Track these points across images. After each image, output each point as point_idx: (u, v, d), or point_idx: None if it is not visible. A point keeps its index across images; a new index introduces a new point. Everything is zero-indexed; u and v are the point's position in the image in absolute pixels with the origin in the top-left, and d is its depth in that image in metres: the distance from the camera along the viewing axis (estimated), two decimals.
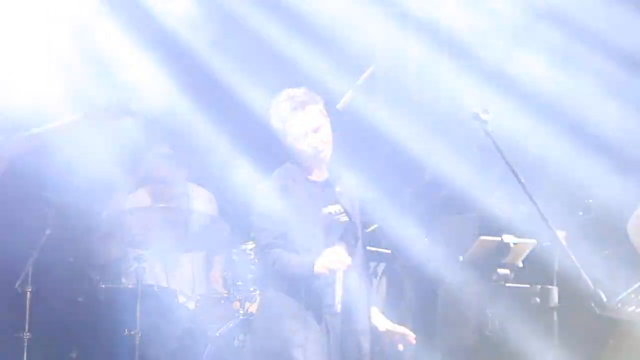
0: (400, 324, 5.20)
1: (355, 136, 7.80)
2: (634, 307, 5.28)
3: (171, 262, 7.03)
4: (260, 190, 4.97)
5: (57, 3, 6.77)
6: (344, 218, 4.94)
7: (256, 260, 6.50)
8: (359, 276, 4.95)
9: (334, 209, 4.96)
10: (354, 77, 6.58)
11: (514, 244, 4.04)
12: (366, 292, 5.00)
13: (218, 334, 6.15)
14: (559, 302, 3.96)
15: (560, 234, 4.01)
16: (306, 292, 4.82)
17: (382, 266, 6.68)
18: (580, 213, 7.04)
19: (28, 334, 6.28)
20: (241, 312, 6.43)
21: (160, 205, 6.97)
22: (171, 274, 7.03)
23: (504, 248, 4.03)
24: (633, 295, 5.34)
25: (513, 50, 8.32)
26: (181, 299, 6.72)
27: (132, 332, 6.18)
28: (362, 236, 5.04)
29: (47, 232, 6.36)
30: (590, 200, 7.06)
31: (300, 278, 4.78)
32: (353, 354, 4.88)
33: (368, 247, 6.43)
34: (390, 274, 7.39)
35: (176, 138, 7.34)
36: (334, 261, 4.72)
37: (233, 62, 7.89)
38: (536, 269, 4.18)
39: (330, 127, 5.05)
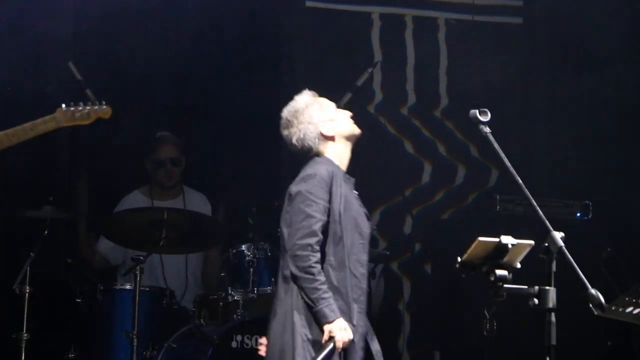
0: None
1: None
2: (631, 309, 5.27)
3: (168, 264, 7.03)
4: (312, 174, 4.78)
5: None
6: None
7: (255, 259, 6.49)
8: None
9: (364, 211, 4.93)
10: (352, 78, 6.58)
11: (512, 245, 4.01)
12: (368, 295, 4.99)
13: (216, 336, 6.14)
14: (556, 303, 3.94)
15: (558, 235, 4.00)
16: (353, 284, 4.75)
17: (380, 267, 6.67)
18: (579, 214, 7.04)
19: (25, 334, 6.27)
20: (239, 313, 6.42)
21: (157, 206, 7.00)
22: (168, 275, 7.03)
23: (502, 249, 4.00)
24: (631, 297, 5.33)
25: None
26: (178, 301, 6.71)
27: (129, 334, 6.17)
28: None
29: (45, 233, 6.35)
30: (589, 202, 7.06)
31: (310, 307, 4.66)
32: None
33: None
34: (388, 275, 7.38)
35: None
36: (339, 338, 4.61)
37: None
38: (534, 270, 4.16)
39: None
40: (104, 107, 5.33)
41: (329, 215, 4.71)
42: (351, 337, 4.62)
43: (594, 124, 8.26)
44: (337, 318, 4.61)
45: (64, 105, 5.29)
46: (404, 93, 8.48)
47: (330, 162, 4.87)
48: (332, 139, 4.92)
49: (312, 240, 4.65)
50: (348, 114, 5.01)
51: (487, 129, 4.25)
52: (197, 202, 7.20)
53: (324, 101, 5.01)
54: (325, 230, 4.70)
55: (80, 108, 5.27)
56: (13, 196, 6.79)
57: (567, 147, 8.30)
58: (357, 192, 4.95)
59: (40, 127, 5.32)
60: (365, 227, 4.82)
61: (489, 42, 8.47)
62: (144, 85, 7.90)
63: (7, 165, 6.65)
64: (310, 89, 5.14)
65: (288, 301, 4.72)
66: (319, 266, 4.64)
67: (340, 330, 4.60)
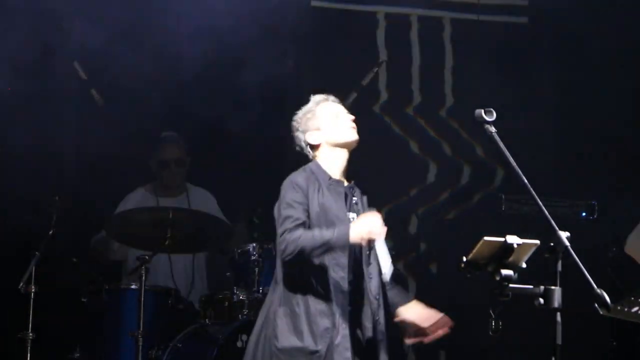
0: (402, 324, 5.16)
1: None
2: (637, 309, 5.26)
3: (173, 263, 7.04)
4: (288, 181, 4.85)
5: None
6: None
7: (260, 259, 6.49)
8: (378, 285, 4.90)
9: (352, 216, 4.87)
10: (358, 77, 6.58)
11: (517, 244, 4.00)
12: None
13: (221, 336, 6.14)
14: (562, 303, 3.93)
15: (564, 235, 3.99)
16: (333, 287, 4.73)
17: None
18: (584, 214, 7.03)
19: (31, 334, 6.28)
20: (245, 313, 6.42)
21: (162, 202, 7.02)
22: (174, 275, 7.03)
23: (507, 249, 4.00)
24: (637, 297, 5.32)
25: None
26: (184, 300, 6.72)
27: (135, 333, 6.17)
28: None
29: (51, 232, 6.36)
30: (594, 202, 7.05)
31: (330, 249, 4.61)
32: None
33: None
34: (393, 275, 7.37)
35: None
36: (370, 231, 4.60)
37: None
38: (539, 270, 4.16)
39: None
40: None
41: (309, 217, 4.74)
42: (377, 222, 4.59)
43: (599, 124, 8.26)
44: (347, 227, 4.60)
45: None
46: (409, 93, 8.48)
47: (317, 168, 4.90)
48: (318, 147, 4.96)
49: (290, 225, 4.66)
50: (347, 120, 4.96)
51: (492, 129, 4.24)
52: (201, 199, 7.21)
53: (324, 108, 4.99)
54: None
55: None
56: (19, 196, 6.80)
57: (573, 147, 8.29)
58: (355, 199, 4.92)
59: None
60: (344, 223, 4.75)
61: (494, 41, 8.46)
62: (147, 85, 7.91)
63: (11, 165, 6.67)
64: (315, 88, 5.12)
65: (267, 304, 4.83)
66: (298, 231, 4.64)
67: (362, 227, 4.59)
